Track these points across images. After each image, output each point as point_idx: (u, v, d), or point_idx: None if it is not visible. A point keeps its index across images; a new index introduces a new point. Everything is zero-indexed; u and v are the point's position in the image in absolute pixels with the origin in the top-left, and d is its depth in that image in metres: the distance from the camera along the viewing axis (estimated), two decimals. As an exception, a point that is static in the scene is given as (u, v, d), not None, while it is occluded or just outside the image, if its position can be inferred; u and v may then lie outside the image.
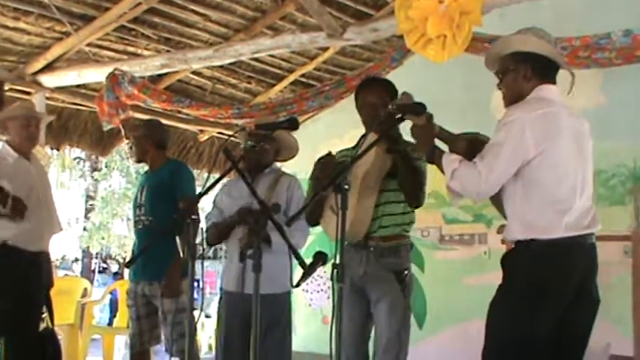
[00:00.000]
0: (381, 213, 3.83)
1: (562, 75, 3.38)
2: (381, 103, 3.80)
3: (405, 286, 3.81)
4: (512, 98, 3.33)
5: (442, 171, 3.27)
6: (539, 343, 3.13)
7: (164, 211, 4.71)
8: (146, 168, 5.22)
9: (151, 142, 4.94)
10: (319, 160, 3.90)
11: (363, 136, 3.94)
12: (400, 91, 3.64)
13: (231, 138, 4.83)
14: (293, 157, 4.61)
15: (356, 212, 3.66)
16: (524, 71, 3.31)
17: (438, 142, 3.41)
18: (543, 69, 3.33)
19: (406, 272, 3.82)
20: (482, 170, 3.13)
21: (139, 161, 5.09)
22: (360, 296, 3.80)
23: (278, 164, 4.65)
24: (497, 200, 3.35)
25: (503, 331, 3.18)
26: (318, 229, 4.11)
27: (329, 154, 3.95)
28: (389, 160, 3.73)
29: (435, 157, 3.32)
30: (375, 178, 3.72)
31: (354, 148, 3.99)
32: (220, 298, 4.43)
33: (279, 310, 4.28)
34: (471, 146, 3.35)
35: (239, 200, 4.25)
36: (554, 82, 3.35)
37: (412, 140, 3.51)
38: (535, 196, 3.19)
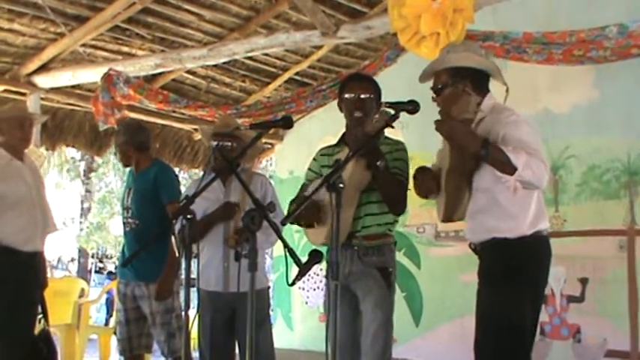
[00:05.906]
0: (363, 213, 3.83)
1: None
2: (367, 97, 3.84)
3: (390, 283, 3.83)
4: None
5: (497, 163, 3.11)
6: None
7: (150, 215, 4.76)
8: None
9: (132, 147, 4.92)
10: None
11: (345, 134, 3.99)
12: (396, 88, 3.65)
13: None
14: (257, 156, 4.59)
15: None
16: (463, 85, 3.35)
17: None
18: (480, 82, 3.40)
19: (390, 270, 3.84)
20: (544, 160, 3.13)
21: (126, 165, 5.08)
22: (348, 294, 3.81)
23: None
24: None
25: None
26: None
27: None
28: (368, 174, 3.74)
29: (490, 150, 3.12)
30: (353, 192, 3.72)
31: (336, 145, 4.02)
32: (199, 298, 4.42)
33: (264, 304, 4.50)
34: None
35: (212, 199, 4.30)
36: (489, 91, 3.44)
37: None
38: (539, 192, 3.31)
